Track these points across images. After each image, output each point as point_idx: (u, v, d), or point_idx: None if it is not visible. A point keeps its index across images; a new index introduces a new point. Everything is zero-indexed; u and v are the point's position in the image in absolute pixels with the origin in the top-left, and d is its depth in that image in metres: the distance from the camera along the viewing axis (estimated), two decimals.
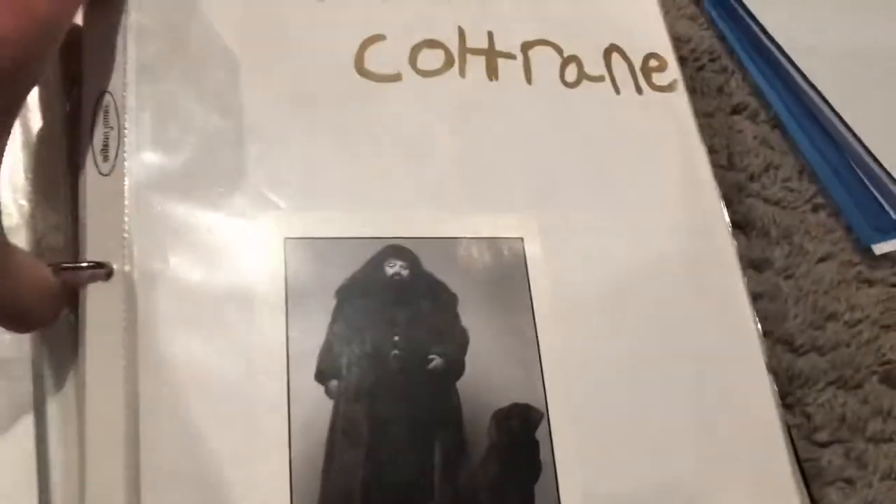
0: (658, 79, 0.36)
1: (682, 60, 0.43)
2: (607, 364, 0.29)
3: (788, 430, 0.30)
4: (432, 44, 0.33)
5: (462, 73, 0.33)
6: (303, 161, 0.29)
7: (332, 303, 0.27)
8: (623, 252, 0.32)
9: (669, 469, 0.28)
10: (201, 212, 0.27)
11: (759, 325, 0.32)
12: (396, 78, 0.32)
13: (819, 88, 0.40)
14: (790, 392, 0.32)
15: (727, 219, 0.33)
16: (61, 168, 0.27)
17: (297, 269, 0.27)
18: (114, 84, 0.27)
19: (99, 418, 0.24)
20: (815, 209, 0.38)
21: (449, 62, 0.33)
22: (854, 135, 0.38)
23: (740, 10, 0.43)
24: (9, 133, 0.22)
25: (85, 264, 0.25)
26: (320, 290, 0.27)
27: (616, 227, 0.32)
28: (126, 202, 0.26)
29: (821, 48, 0.42)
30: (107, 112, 0.26)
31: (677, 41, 0.44)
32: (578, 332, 0.29)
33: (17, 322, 0.23)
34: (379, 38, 0.32)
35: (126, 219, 0.26)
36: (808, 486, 0.29)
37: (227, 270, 0.26)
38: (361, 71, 0.31)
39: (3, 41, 0.20)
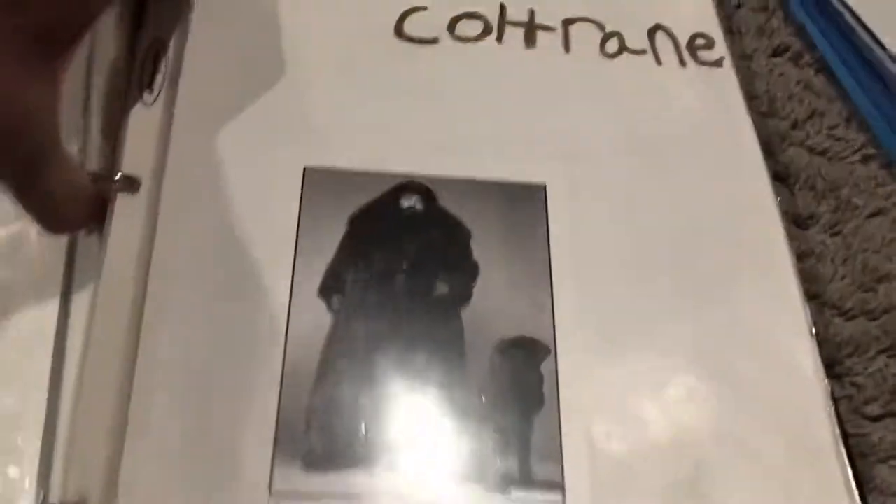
0: (704, 55, 0.37)
1: None
2: (626, 313, 0.30)
3: (834, 401, 0.29)
4: (472, 15, 0.36)
5: (500, 40, 0.36)
6: (335, 105, 0.33)
7: (344, 228, 0.30)
8: (651, 206, 0.32)
9: (686, 430, 0.28)
10: (231, 144, 0.31)
11: (802, 286, 0.31)
12: (434, 41, 0.35)
13: (870, 26, 0.36)
14: (838, 360, 0.31)
15: (768, 179, 0.34)
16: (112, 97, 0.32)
17: (312, 195, 0.30)
18: (167, 31, 0.32)
19: (106, 312, 0.27)
20: (865, 160, 0.37)
21: (487, 30, 0.36)
22: None
23: None
24: (72, 58, 0.25)
25: (118, 176, 0.29)
26: (333, 215, 0.30)
27: (646, 183, 0.33)
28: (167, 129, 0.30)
29: None
30: (157, 54, 0.32)
31: None
32: (598, 280, 0.30)
33: (51, 217, 0.26)
34: (420, 8, 0.36)
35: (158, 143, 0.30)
36: (853, 462, 0.28)
37: (246, 192, 0.30)
38: (401, 35, 0.35)
39: None
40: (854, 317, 0.33)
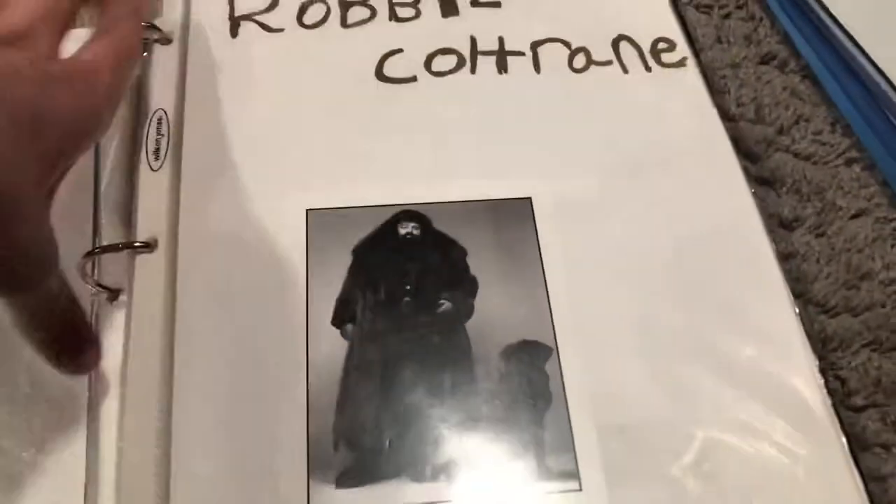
0: (667, 57, 0.40)
1: (707, 8, 0.41)
2: (620, 310, 0.33)
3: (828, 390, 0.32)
4: (446, 51, 0.40)
5: (473, 70, 0.40)
6: (327, 149, 0.36)
7: (349, 259, 0.33)
8: (632, 206, 0.35)
9: (688, 415, 0.31)
10: (236, 197, 0.34)
11: (789, 285, 0.34)
12: (413, 80, 0.39)
13: (853, 35, 0.38)
14: (823, 356, 0.34)
15: (745, 182, 0.36)
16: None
17: (316, 234, 0.34)
18: (167, 102, 0.36)
19: (138, 366, 0.30)
20: (849, 163, 0.40)
21: (461, 63, 0.40)
22: (891, 84, 0.38)
23: None
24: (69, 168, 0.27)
25: (137, 243, 0.33)
26: (338, 249, 0.34)
27: (625, 185, 0.36)
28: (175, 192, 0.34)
29: None
30: (160, 122, 0.36)
31: None
32: (590, 280, 0.33)
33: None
34: (397, 51, 0.40)
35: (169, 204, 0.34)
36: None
37: (255, 239, 0.33)
38: (381, 77, 0.39)
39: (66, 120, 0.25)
40: (838, 314, 0.36)
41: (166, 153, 0.35)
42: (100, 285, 0.32)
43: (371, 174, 0.35)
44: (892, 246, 0.37)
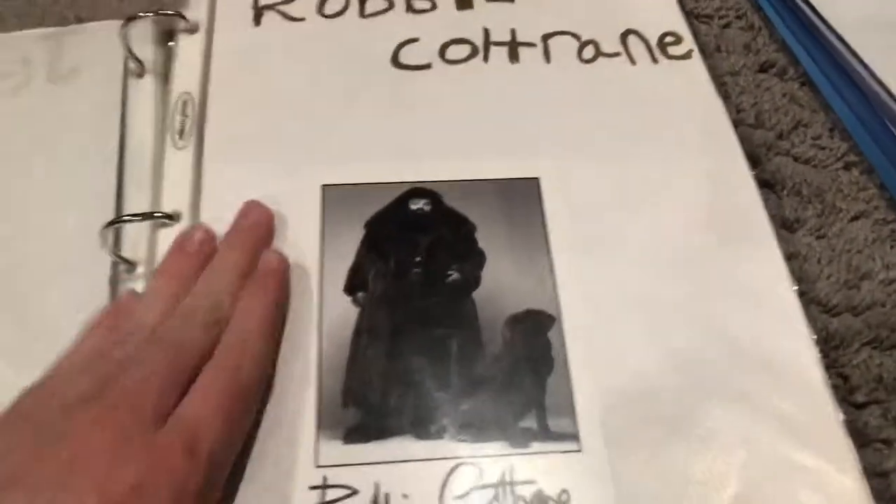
0: (674, 50, 0.42)
1: (707, 18, 0.42)
2: (620, 281, 0.34)
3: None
4: (460, 41, 0.42)
5: (486, 59, 0.41)
6: (343, 129, 0.38)
7: (362, 232, 0.35)
8: (636, 186, 0.37)
9: (684, 380, 0.32)
10: (256, 173, 0.36)
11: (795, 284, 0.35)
12: (427, 67, 0.41)
13: (849, 42, 0.39)
14: (825, 353, 0.34)
15: (740, 150, 0.38)
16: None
17: (332, 209, 0.35)
18: (192, 87, 0.38)
19: None
20: (847, 167, 0.41)
21: (474, 52, 0.42)
22: (886, 90, 0.40)
23: None
24: None
25: (159, 213, 0.35)
26: (351, 223, 0.35)
27: (630, 166, 0.37)
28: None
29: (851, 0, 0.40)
30: (185, 105, 0.37)
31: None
32: (593, 254, 0.34)
33: None
34: (413, 40, 0.41)
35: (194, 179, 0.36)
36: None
37: (276, 216, 0.35)
38: (397, 64, 0.40)
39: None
40: (839, 313, 0.36)
41: (190, 132, 0.37)
42: (119, 256, 0.34)
43: (384, 153, 0.37)
44: (891, 247, 0.38)
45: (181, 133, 0.36)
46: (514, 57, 0.41)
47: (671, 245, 0.35)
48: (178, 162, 0.36)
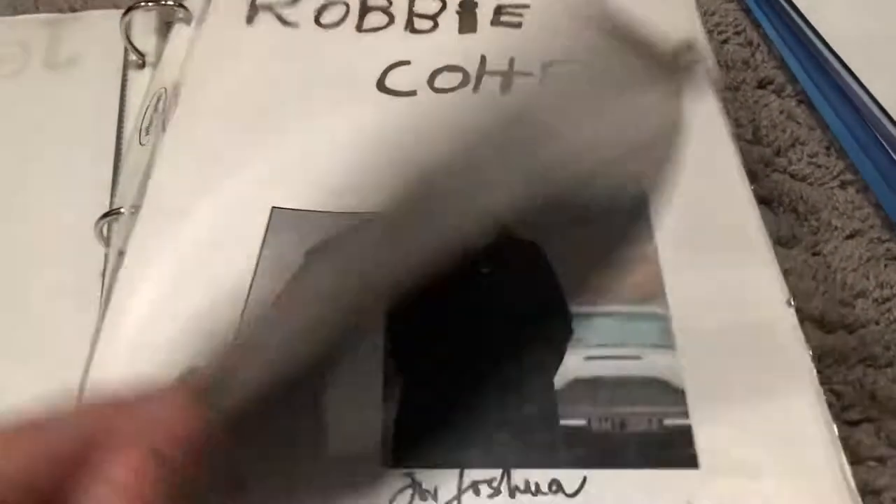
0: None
1: (707, 34, 0.42)
2: None
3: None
4: (452, 68, 0.40)
5: (476, 89, 0.39)
6: (306, 151, 0.35)
7: (300, 261, 0.32)
8: None
9: None
10: (211, 183, 0.34)
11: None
12: (412, 94, 0.38)
13: (846, 62, 0.39)
14: (819, 370, 0.33)
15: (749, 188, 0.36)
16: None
17: (276, 232, 0.33)
18: (170, 80, 0.36)
19: None
20: (843, 185, 0.41)
21: (465, 81, 0.39)
22: (883, 110, 0.40)
23: None
24: None
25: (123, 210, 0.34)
26: (293, 248, 0.33)
27: None
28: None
29: (848, 20, 0.40)
30: (159, 100, 0.36)
31: (702, 15, 0.43)
32: None
33: None
34: (404, 63, 0.39)
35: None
36: None
37: (216, 228, 0.33)
38: (381, 87, 0.38)
39: None
40: (833, 330, 0.36)
41: (156, 129, 0.35)
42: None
43: (341, 178, 0.34)
44: (886, 266, 0.38)
45: (148, 129, 0.35)
46: (505, 88, 0.39)
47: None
48: (138, 160, 0.34)
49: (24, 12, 0.42)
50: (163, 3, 0.38)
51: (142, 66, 0.38)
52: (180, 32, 0.38)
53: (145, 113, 0.35)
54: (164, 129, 0.34)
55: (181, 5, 0.39)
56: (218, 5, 0.40)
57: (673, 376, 0.30)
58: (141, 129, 0.35)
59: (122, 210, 0.33)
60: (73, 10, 0.42)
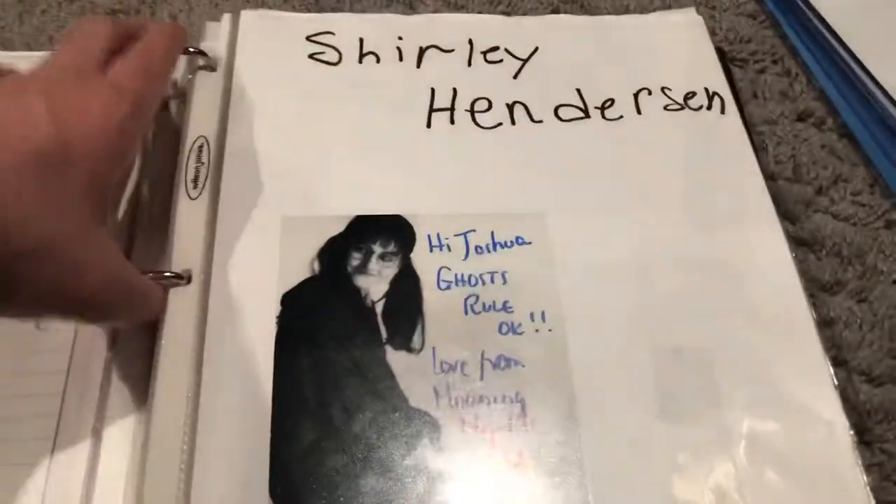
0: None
1: (742, 62, 0.41)
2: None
3: (865, 469, 0.30)
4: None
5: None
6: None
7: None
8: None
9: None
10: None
11: (830, 354, 0.33)
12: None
13: (890, 93, 0.37)
14: (868, 428, 0.32)
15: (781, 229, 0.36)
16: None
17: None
18: (208, 130, 0.36)
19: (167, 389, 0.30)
20: (889, 225, 0.40)
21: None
22: None
23: (801, 4, 0.40)
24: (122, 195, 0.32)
25: (168, 273, 0.32)
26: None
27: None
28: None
29: (891, 47, 0.39)
30: (201, 150, 0.35)
31: (737, 42, 0.41)
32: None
33: (94, 312, 0.28)
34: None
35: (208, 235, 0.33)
36: None
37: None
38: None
39: (101, 131, 0.26)
40: (882, 383, 0.35)
41: (205, 182, 0.34)
42: None
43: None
44: None
45: (195, 181, 0.34)
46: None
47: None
48: (192, 214, 0.33)
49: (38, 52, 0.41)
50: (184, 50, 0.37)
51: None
52: (207, 80, 0.37)
53: (186, 163, 0.34)
54: (219, 181, 0.34)
55: (200, 52, 0.37)
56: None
57: None
58: (186, 182, 0.34)
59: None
60: None
